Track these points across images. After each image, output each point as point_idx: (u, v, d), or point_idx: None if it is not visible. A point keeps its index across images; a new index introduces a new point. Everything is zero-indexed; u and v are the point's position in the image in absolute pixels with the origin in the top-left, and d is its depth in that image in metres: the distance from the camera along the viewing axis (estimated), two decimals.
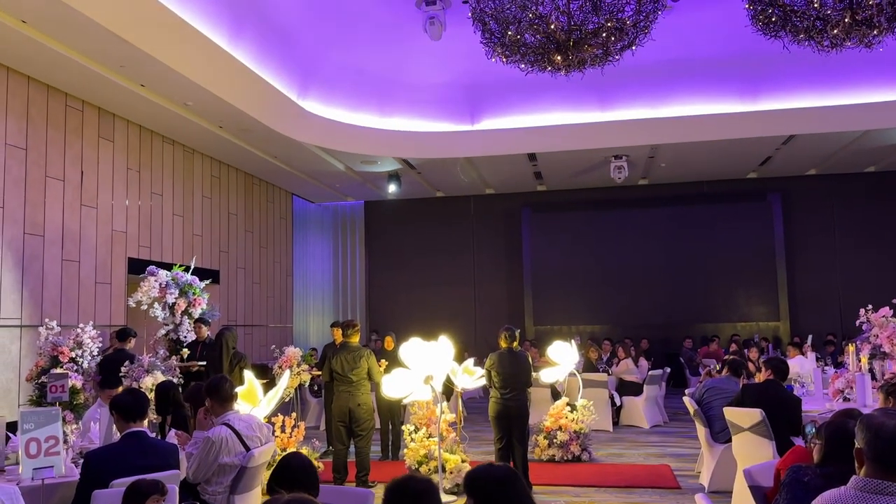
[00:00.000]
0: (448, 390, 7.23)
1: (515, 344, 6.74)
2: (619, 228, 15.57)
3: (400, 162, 12.98)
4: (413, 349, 6.14)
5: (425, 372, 6.16)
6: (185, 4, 7.39)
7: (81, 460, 3.84)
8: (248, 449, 4.09)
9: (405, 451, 6.94)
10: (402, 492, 2.23)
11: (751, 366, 9.19)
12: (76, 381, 6.66)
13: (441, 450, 6.31)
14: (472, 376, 6.81)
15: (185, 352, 8.20)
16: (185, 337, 8.33)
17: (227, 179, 12.63)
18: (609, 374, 10.66)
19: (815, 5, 5.60)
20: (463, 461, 6.68)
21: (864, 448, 2.28)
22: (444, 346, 6.31)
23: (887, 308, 6.94)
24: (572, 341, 8.90)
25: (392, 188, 14.15)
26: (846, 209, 14.89)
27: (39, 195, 8.31)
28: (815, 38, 5.85)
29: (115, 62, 7.91)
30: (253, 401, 5.02)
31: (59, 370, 6.56)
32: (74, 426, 5.34)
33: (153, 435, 4.22)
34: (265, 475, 4.57)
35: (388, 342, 8.73)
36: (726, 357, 8.74)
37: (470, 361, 6.98)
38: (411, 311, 15.85)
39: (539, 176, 14.66)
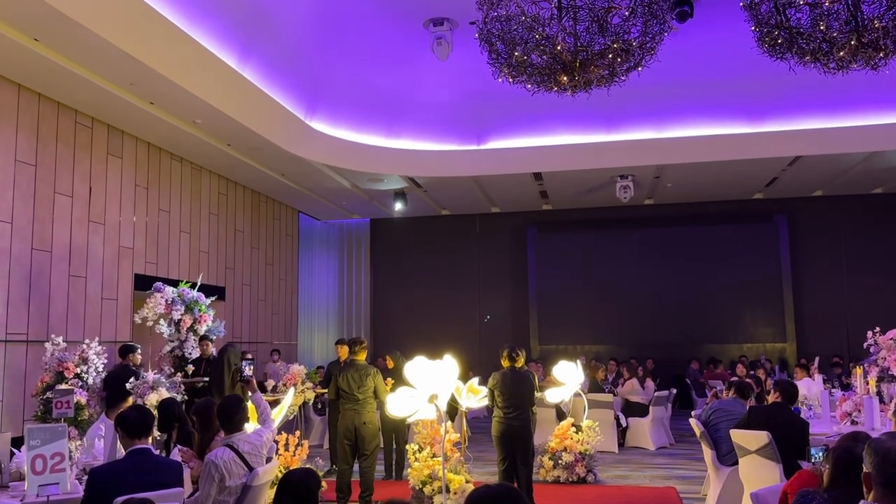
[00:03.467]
0: (452, 410, 7.19)
1: (520, 362, 6.69)
2: (624, 248, 15.53)
3: (406, 180, 13.03)
4: (417, 368, 6.11)
5: (429, 391, 6.13)
6: (196, 23, 7.48)
7: (85, 477, 3.83)
8: (251, 469, 4.07)
9: (409, 470, 6.90)
10: None
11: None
12: (81, 396, 6.66)
13: (445, 470, 6.27)
14: (476, 395, 6.77)
15: (190, 367, 8.21)
16: (191, 353, 8.35)
17: (234, 196, 12.70)
18: (614, 395, 10.60)
19: (822, 27, 5.62)
20: (467, 481, 6.62)
21: (873, 472, 2.26)
22: (449, 364, 6.28)
23: (895, 330, 6.90)
24: (577, 361, 8.86)
25: (398, 206, 14.19)
26: (853, 230, 14.84)
27: (48, 211, 8.36)
28: (821, 60, 5.86)
29: (125, 80, 7.99)
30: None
31: (64, 386, 6.56)
32: (78, 442, 5.34)
33: (157, 452, 4.21)
34: (269, 494, 4.54)
35: (389, 361, 8.69)
36: (733, 378, 8.68)
37: (475, 380, 6.93)
38: (416, 328, 15.80)
39: (545, 195, 14.68)
